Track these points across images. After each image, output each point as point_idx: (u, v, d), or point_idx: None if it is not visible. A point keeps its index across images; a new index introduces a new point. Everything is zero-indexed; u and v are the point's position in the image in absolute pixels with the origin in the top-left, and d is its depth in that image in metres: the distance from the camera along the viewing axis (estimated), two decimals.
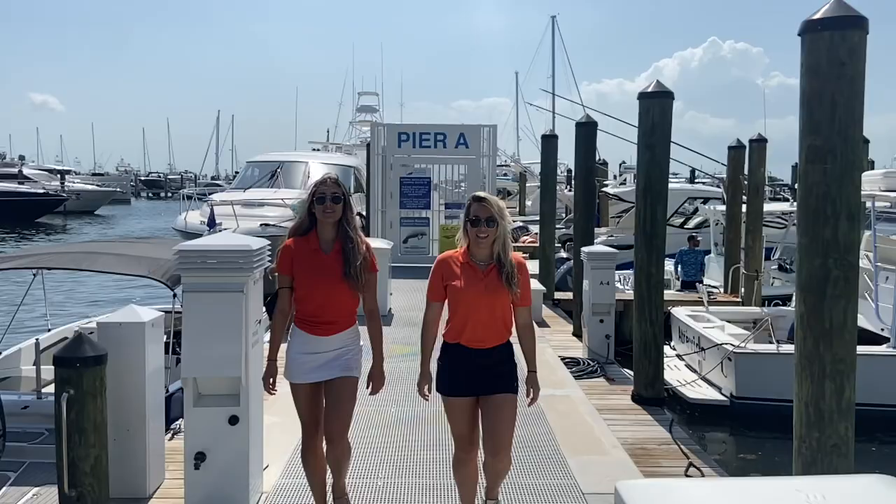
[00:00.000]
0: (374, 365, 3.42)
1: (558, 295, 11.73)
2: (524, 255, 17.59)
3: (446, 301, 3.29)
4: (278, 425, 4.44)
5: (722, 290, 12.18)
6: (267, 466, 4.03)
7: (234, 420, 3.46)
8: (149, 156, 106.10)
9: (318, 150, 30.88)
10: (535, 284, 10.91)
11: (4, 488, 4.56)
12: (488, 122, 13.85)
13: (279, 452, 4.06)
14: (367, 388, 3.40)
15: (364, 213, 14.81)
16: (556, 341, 8.88)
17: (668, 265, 12.58)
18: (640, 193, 6.42)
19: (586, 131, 9.38)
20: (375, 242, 9.65)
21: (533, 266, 14.12)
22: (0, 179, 40.05)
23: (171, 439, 4.79)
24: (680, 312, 9.79)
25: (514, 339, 3.32)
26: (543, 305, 10.73)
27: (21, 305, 6.97)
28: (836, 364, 3.38)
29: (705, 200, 17.08)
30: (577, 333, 9.14)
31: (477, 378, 3.23)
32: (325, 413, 3.39)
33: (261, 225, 12.21)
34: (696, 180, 28.29)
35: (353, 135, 42.76)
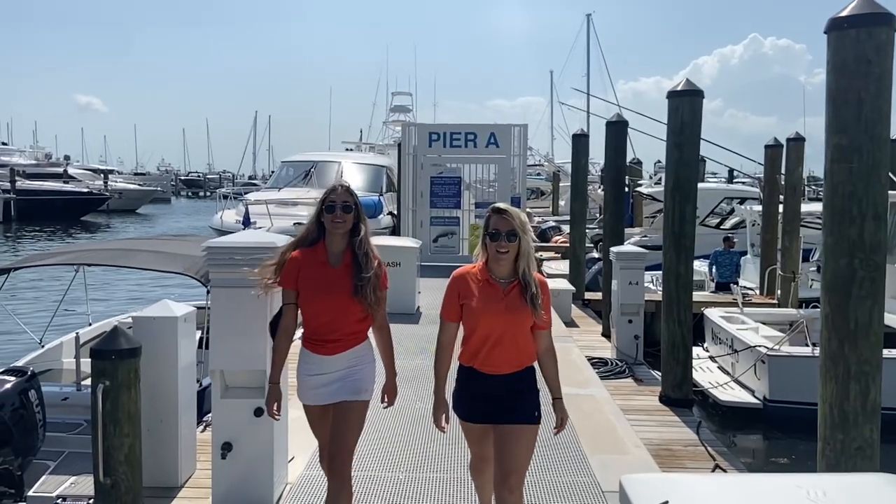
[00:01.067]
0: (387, 380, 3.21)
1: (589, 295, 11.69)
2: (556, 254, 17.45)
3: (461, 322, 3.04)
4: (303, 419, 4.53)
5: (757, 291, 11.97)
6: (292, 458, 4.14)
7: (259, 412, 3.56)
8: (189, 156, 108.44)
9: (351, 149, 31.20)
10: (564, 284, 10.90)
11: (44, 476, 4.76)
12: (522, 122, 13.86)
13: (304, 445, 4.15)
14: (382, 402, 3.21)
15: (395, 212, 14.96)
16: (584, 341, 8.86)
17: (703, 266, 12.45)
18: (669, 193, 6.37)
19: (617, 130, 9.32)
20: (405, 241, 9.75)
21: (563, 266, 14.11)
22: (46, 179, 41.37)
23: (203, 431, 4.93)
24: (713, 314, 9.67)
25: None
26: (573, 305, 10.71)
27: (63, 301, 7.26)
28: (862, 365, 3.33)
29: (742, 201, 16.77)
30: (606, 334, 9.10)
31: (494, 405, 2.96)
32: (329, 441, 3.16)
33: (294, 224, 12.42)
34: (735, 180, 27.80)
35: (386, 135, 43.08)
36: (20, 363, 5.87)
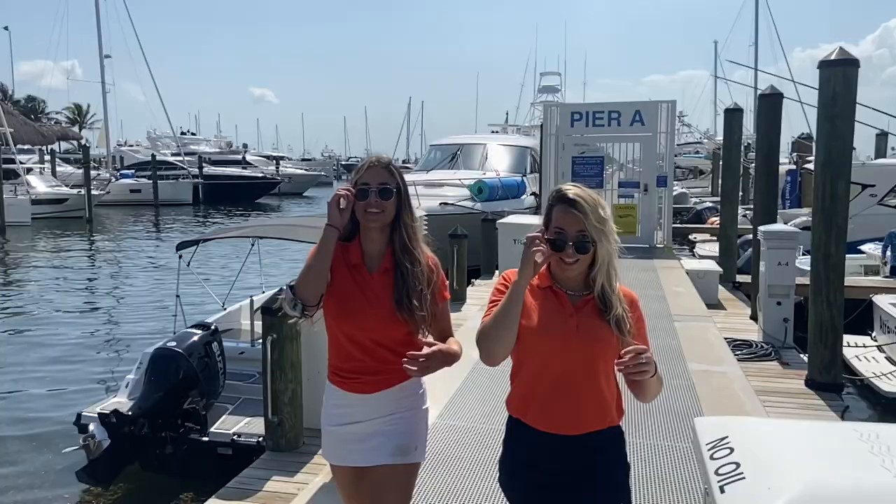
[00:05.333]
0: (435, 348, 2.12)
1: (741, 278, 11.22)
2: (712, 236, 16.75)
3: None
4: (438, 378, 4.97)
5: None
6: (426, 408, 4.58)
7: None
8: (349, 142, 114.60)
9: (497, 132, 31.56)
10: (710, 265, 10.57)
11: (223, 417, 5.59)
12: (681, 98, 13.49)
13: (438, 398, 4.58)
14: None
15: (538, 192, 15.15)
16: (730, 324, 8.60)
17: (877, 250, 11.43)
18: (819, 168, 6.06)
19: (770, 103, 8.85)
20: (535, 219, 9.95)
21: (713, 248, 13.55)
22: (228, 165, 45.85)
23: None
24: (883, 301, 8.93)
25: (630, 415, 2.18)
26: (721, 287, 10.39)
27: (241, 270, 8.33)
28: None
29: None
30: (755, 317, 8.76)
31: (556, 490, 1.98)
32: None
33: (440, 204, 13.04)
34: None
35: (533, 116, 42.98)
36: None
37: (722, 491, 1.65)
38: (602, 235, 1.95)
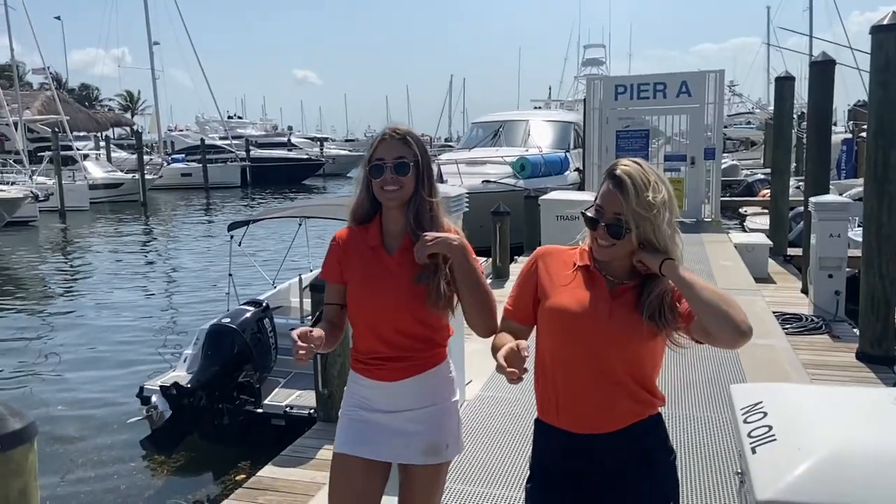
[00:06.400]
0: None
1: (792, 251, 10.98)
2: (763, 209, 16.25)
3: (535, 331, 1.91)
4: (480, 352, 5.06)
5: None
6: (470, 381, 4.71)
7: None
8: (391, 121, 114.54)
9: (539, 107, 31.23)
10: (760, 238, 10.37)
11: (276, 390, 5.82)
12: (732, 66, 13.17)
13: (480, 372, 4.70)
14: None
15: (581, 168, 15.01)
16: (779, 297, 8.46)
17: None
18: (872, 136, 5.89)
19: (822, 71, 8.57)
20: (587, 196, 9.90)
21: (764, 221, 13.24)
22: (273, 147, 46.63)
23: None
24: None
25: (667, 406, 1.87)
26: (771, 261, 10.19)
27: (290, 249, 8.56)
28: None
29: None
30: (806, 290, 8.59)
31: (596, 492, 1.80)
32: None
33: (483, 182, 13.07)
34: None
35: (577, 90, 42.35)
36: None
37: (753, 452, 1.70)
38: (646, 223, 1.69)
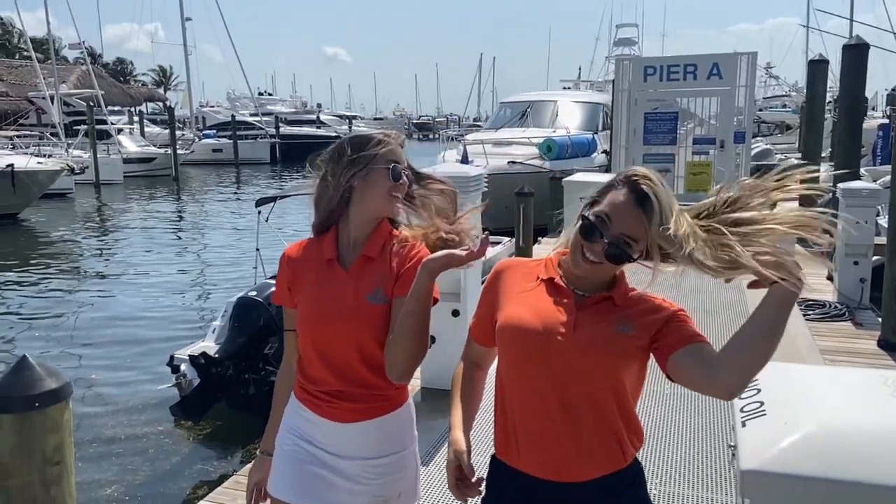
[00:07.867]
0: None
1: None
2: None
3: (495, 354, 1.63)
4: None
5: None
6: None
7: (455, 313, 4.25)
8: (420, 100, 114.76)
9: (569, 88, 30.90)
10: None
11: None
12: (770, 47, 12.93)
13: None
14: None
15: (608, 150, 14.92)
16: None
17: None
18: None
19: (855, 55, 8.41)
20: (604, 177, 9.86)
21: (793, 206, 13.02)
22: (303, 125, 46.92)
23: None
24: None
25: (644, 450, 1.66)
26: (799, 247, 10.02)
27: None
28: None
29: None
30: (831, 277, 8.52)
31: None
32: None
33: (508, 162, 13.09)
34: None
35: (609, 70, 41.74)
36: None
37: (744, 425, 1.78)
38: (656, 252, 1.40)
